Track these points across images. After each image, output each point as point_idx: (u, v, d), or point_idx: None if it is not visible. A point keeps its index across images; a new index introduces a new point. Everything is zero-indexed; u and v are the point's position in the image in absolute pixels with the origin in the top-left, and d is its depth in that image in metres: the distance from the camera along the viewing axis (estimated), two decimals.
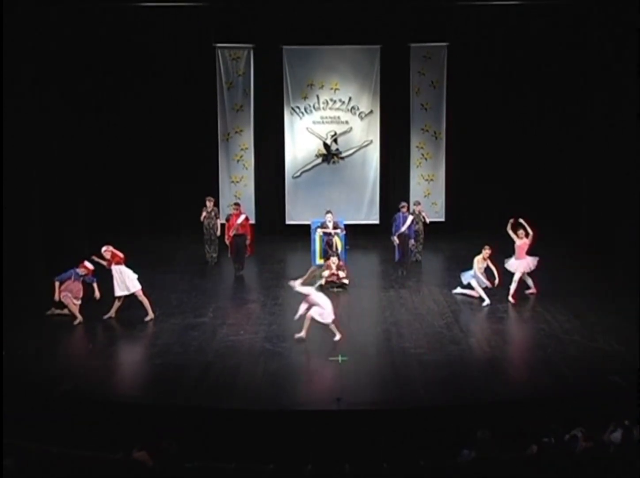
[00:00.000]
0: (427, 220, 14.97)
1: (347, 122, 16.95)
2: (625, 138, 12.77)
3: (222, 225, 14.52)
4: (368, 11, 15.72)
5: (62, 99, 14.22)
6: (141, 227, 17.04)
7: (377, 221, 17.08)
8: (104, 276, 11.55)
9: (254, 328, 11.11)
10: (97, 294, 11.59)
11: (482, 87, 16.54)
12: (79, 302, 11.48)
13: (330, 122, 16.95)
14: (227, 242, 14.05)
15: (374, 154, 16.99)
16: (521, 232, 12.21)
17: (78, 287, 11.47)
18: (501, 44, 16.26)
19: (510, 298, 12.14)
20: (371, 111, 16.87)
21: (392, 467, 6.96)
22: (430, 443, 8.03)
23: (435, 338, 10.68)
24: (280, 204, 17.17)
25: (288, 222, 17.02)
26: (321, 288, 12.93)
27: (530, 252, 12.29)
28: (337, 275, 13.08)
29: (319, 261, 14.23)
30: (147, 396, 8.99)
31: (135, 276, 11.39)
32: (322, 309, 10.37)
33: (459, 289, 12.65)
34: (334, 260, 13.23)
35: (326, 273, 13.08)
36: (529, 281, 12.50)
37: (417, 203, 15.03)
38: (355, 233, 15.72)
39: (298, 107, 16.85)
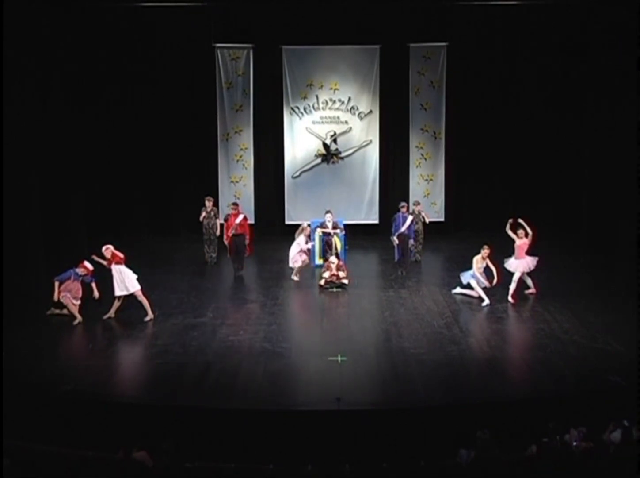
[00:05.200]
0: (427, 220, 14.98)
1: (346, 122, 16.94)
2: (625, 138, 12.75)
3: (222, 225, 14.51)
4: (368, 11, 15.71)
5: (62, 99, 14.20)
6: (141, 227, 17.05)
7: (376, 221, 17.07)
8: (104, 276, 11.55)
9: (254, 328, 11.10)
10: (95, 294, 11.61)
11: (481, 87, 16.54)
12: (79, 302, 11.49)
13: (330, 122, 16.94)
14: (226, 242, 14.03)
15: (373, 154, 16.99)
16: (521, 232, 12.21)
17: (77, 287, 11.48)
18: (501, 44, 16.26)
19: (509, 298, 12.14)
20: (371, 111, 16.87)
21: (392, 467, 6.97)
22: (430, 443, 8.05)
23: (434, 338, 10.69)
24: (280, 204, 17.16)
25: (288, 222, 17.00)
26: (320, 288, 13.05)
27: (529, 252, 12.30)
28: (337, 275, 13.08)
29: (319, 261, 14.24)
30: (147, 396, 8.99)
31: (135, 276, 11.39)
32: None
33: (458, 289, 12.66)
34: (333, 260, 13.24)
35: (327, 273, 13.10)
36: (529, 281, 12.51)
37: (417, 203, 15.03)
38: (354, 233, 15.73)
39: (297, 107, 16.84)
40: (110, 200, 16.61)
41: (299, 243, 13.43)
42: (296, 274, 13.55)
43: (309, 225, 13.83)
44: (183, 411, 8.54)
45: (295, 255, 13.43)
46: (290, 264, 13.57)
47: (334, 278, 13.07)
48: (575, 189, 15.99)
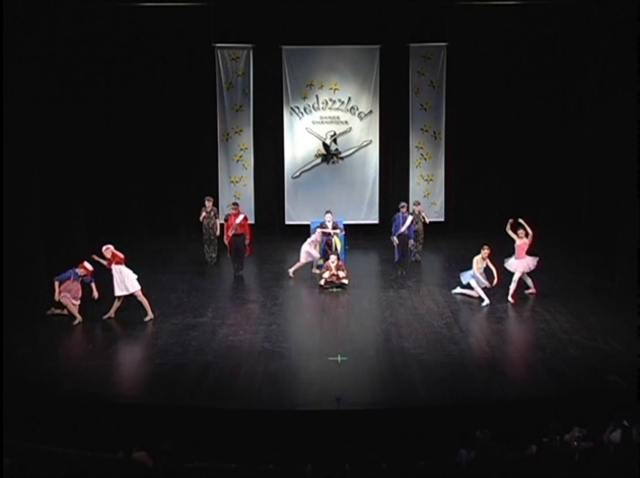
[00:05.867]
0: (427, 220, 14.99)
1: (346, 122, 16.92)
2: (625, 138, 12.76)
3: (222, 225, 14.51)
4: (368, 11, 15.71)
5: (62, 100, 14.21)
6: (141, 227, 17.04)
7: (376, 221, 17.06)
8: (103, 277, 11.55)
9: (254, 328, 11.11)
10: (95, 294, 11.61)
11: (481, 87, 16.53)
12: (78, 302, 11.50)
13: (330, 122, 16.92)
14: (226, 242, 14.03)
15: (373, 154, 16.98)
16: (521, 232, 12.21)
17: (77, 287, 11.49)
18: (501, 44, 16.26)
19: (509, 298, 12.14)
20: (370, 111, 16.86)
21: (392, 467, 6.97)
22: (430, 443, 8.05)
23: (434, 338, 10.69)
24: (280, 204, 17.15)
25: (288, 222, 17.00)
26: (320, 288, 13.05)
27: (530, 252, 12.30)
28: (337, 275, 13.08)
29: (319, 261, 14.23)
30: (147, 396, 9.00)
31: (135, 276, 11.40)
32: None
33: (458, 289, 12.66)
34: (333, 260, 13.23)
35: (327, 273, 13.10)
36: (529, 281, 12.51)
37: (417, 203, 15.04)
38: (354, 233, 15.74)
39: (297, 107, 16.84)
40: (110, 200, 16.61)
41: (312, 236, 13.87)
42: (295, 271, 13.79)
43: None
44: (183, 412, 8.55)
45: (308, 250, 13.72)
46: (302, 260, 13.78)
47: (334, 278, 13.07)
48: (575, 189, 15.98)
